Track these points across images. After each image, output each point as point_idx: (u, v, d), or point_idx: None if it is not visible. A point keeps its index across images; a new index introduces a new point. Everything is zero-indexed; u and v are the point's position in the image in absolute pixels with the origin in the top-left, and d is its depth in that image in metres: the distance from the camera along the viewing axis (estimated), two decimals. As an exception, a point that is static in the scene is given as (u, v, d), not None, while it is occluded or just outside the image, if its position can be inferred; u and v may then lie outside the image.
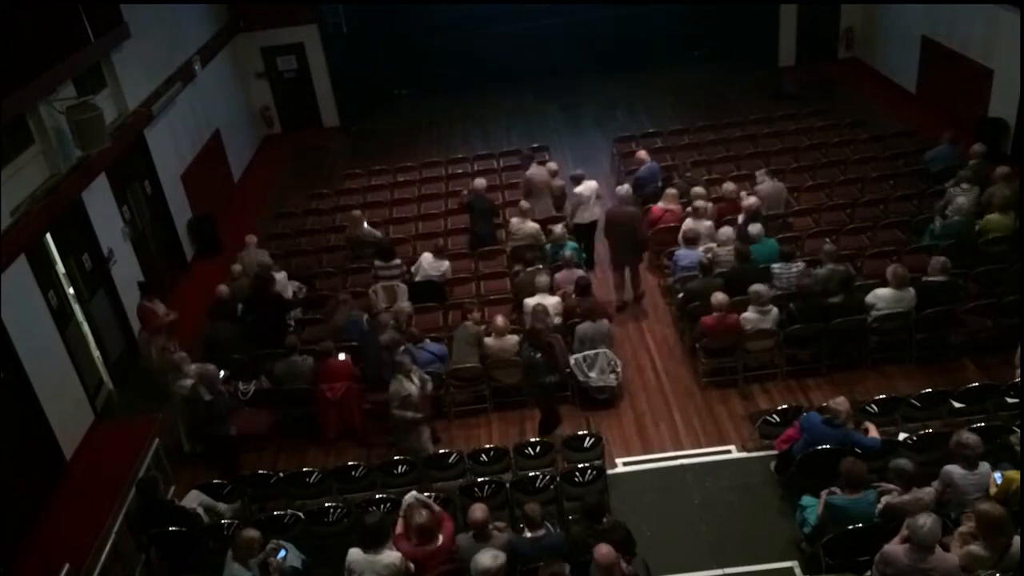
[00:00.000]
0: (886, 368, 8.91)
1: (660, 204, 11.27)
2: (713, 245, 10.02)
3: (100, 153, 9.86)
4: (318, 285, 11.37)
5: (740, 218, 10.53)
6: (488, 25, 19.03)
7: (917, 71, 15.52)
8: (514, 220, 11.33)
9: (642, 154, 12.52)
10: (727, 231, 10.05)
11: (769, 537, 7.10)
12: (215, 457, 8.72)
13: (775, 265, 9.38)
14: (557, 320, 9.11)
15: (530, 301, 9.28)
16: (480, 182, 12.04)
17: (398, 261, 10.58)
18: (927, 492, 6.19)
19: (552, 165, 12.66)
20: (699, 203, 10.52)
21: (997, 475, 6.19)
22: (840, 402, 7.08)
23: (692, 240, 10.06)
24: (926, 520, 5.40)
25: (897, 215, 10.89)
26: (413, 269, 10.69)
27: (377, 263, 10.61)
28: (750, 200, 10.50)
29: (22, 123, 9.20)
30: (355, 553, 6.26)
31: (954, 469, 6.27)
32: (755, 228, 9.97)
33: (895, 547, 5.59)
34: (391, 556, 6.17)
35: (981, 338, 8.79)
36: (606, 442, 7.97)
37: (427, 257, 10.60)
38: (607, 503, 6.94)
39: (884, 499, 6.25)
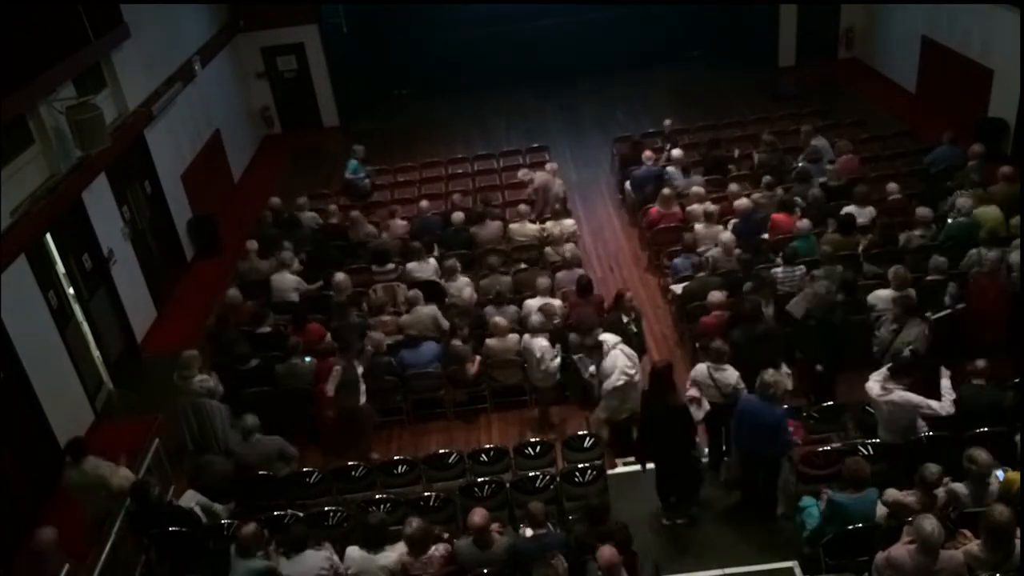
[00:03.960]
0: (886, 368, 8.87)
1: (656, 206, 11.29)
2: (714, 247, 10.00)
3: (100, 153, 9.86)
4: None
5: (732, 222, 10.62)
6: (488, 25, 19.02)
7: (917, 71, 15.52)
8: (513, 226, 11.36)
9: (647, 154, 12.49)
10: (729, 235, 10.03)
11: (769, 537, 7.10)
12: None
13: (776, 270, 9.35)
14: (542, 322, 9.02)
15: (531, 303, 9.27)
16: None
17: (392, 265, 10.62)
18: (939, 495, 6.17)
19: (552, 165, 12.71)
20: (710, 208, 10.54)
21: (999, 473, 6.17)
22: (775, 375, 6.89)
23: (690, 247, 10.12)
24: (933, 524, 5.34)
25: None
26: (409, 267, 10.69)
27: (373, 267, 10.68)
28: (741, 202, 10.56)
29: (22, 123, 9.19)
30: (353, 551, 6.35)
31: (960, 488, 6.20)
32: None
33: (900, 551, 5.52)
34: (388, 557, 6.23)
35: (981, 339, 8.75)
36: (606, 442, 7.96)
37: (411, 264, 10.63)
38: (608, 503, 6.93)
39: (893, 495, 6.22)
